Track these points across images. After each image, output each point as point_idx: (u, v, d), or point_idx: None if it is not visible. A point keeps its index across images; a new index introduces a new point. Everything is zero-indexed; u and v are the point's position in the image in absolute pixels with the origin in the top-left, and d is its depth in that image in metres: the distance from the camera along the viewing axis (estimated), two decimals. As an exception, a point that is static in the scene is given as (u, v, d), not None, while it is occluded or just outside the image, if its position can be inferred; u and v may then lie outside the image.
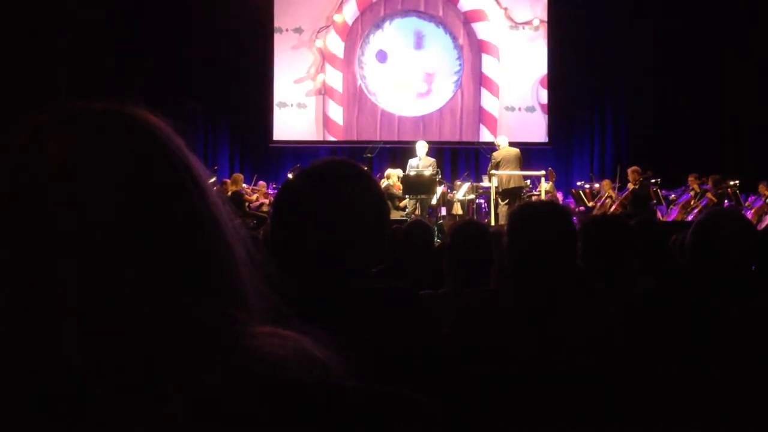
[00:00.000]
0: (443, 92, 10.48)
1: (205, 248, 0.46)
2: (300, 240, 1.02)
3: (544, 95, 10.53)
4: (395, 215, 7.51)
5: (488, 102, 10.47)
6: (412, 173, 7.72)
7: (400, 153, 9.12)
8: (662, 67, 10.26)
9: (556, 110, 10.65)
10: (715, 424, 1.44)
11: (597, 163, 10.79)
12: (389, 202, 7.63)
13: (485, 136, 10.37)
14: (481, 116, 10.48)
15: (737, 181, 8.38)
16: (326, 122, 10.48)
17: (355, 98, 10.48)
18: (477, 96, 10.48)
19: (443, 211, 8.40)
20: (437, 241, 4.34)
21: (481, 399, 1.44)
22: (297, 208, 1.04)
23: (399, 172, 8.18)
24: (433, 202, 7.94)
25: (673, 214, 8.50)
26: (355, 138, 10.40)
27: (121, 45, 9.33)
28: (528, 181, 8.38)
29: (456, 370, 1.44)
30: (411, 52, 10.48)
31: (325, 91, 10.46)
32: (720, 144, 9.38)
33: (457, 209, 8.59)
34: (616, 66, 10.60)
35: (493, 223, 7.28)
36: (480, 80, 10.48)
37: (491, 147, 8.72)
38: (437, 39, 10.49)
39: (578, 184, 9.63)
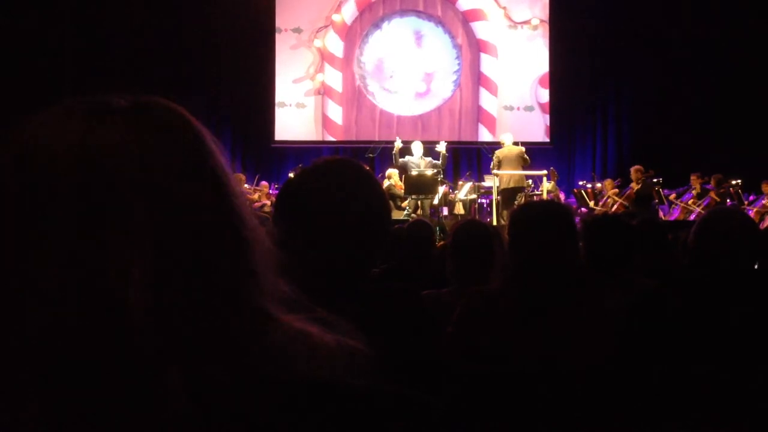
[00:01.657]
0: (442, 92, 10.50)
1: (234, 242, 0.47)
2: (301, 239, 1.02)
3: (542, 94, 10.52)
4: (397, 215, 7.51)
5: (487, 101, 10.48)
6: (414, 173, 7.71)
7: (401, 153, 9.08)
8: (664, 66, 10.24)
9: (557, 109, 10.63)
10: (717, 424, 1.44)
11: (599, 162, 10.77)
12: (391, 202, 7.63)
13: (484, 135, 10.37)
14: (480, 115, 10.48)
15: (739, 181, 8.37)
16: (325, 122, 10.49)
17: (354, 98, 10.50)
18: (476, 95, 10.48)
19: (445, 211, 8.39)
20: (439, 241, 4.33)
21: (482, 399, 1.44)
22: (298, 207, 1.04)
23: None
24: (435, 202, 7.93)
25: (675, 213, 8.49)
26: (354, 137, 10.42)
27: (123, 45, 9.33)
28: (530, 181, 8.37)
29: (458, 370, 1.44)
30: (410, 51, 10.49)
31: (324, 91, 10.47)
32: (722, 143, 9.37)
33: (459, 209, 8.58)
34: (617, 65, 10.59)
35: (495, 223, 7.27)
36: (479, 79, 10.49)
37: (493, 146, 8.71)
38: (436, 38, 10.51)
39: (580, 183, 9.62)
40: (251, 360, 0.45)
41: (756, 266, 1.75)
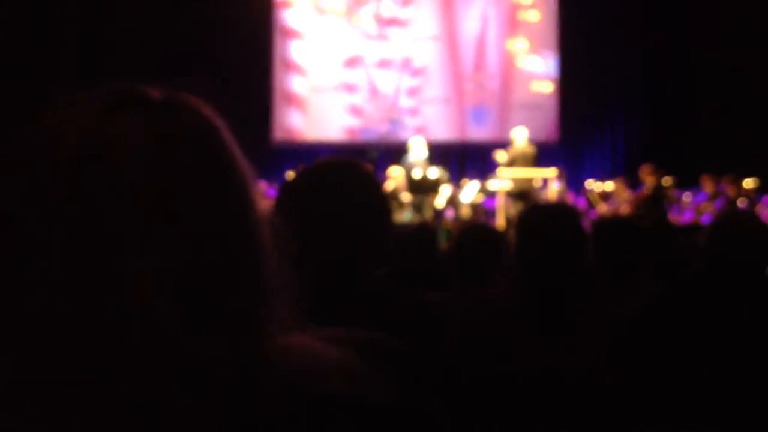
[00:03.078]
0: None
1: (250, 253, 0.46)
2: (301, 240, 1.00)
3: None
4: (399, 215, 7.48)
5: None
6: (419, 173, 7.67)
7: (404, 153, 9.07)
8: (674, 64, 10.18)
9: (566, 108, 10.59)
10: (725, 428, 1.41)
11: (608, 162, 10.72)
12: (395, 202, 7.60)
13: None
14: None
15: (755, 180, 8.27)
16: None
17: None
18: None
19: (450, 213, 8.37)
20: (444, 243, 4.31)
21: (488, 403, 1.42)
22: (298, 208, 1.02)
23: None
24: (440, 204, 7.90)
25: (687, 215, 8.41)
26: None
27: (119, 42, 9.37)
28: (539, 181, 8.33)
29: (463, 373, 1.42)
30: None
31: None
32: (736, 143, 9.27)
33: (465, 211, 8.56)
34: (627, 62, 10.54)
35: (500, 226, 7.23)
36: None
37: (498, 146, 8.65)
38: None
39: (589, 184, 9.56)
40: (254, 372, 0.44)
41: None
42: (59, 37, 8.54)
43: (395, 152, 9.70)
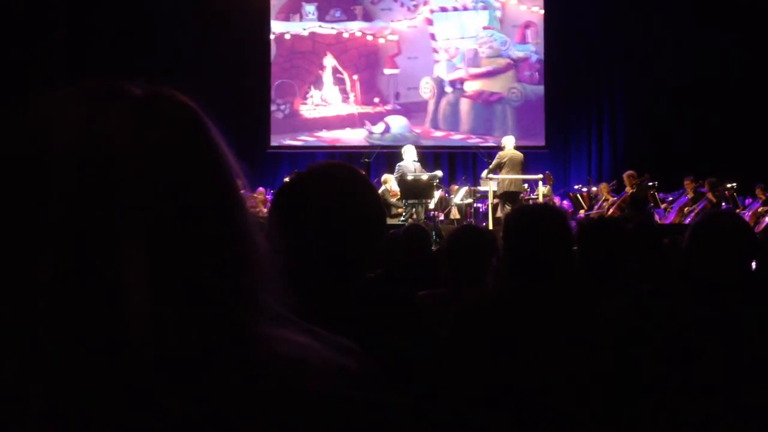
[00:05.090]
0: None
1: (233, 250, 0.45)
2: (296, 243, 1.02)
3: None
4: (392, 220, 7.51)
5: None
6: (410, 177, 7.72)
7: (397, 158, 9.10)
8: (658, 71, 10.30)
9: (552, 113, 10.68)
10: (712, 426, 1.44)
11: (594, 166, 10.81)
12: (388, 205, 7.63)
13: None
14: None
15: (734, 184, 8.39)
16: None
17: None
18: None
19: (441, 216, 8.40)
20: (435, 245, 4.33)
21: (477, 403, 1.44)
22: (293, 211, 1.04)
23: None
24: (431, 206, 7.94)
25: (671, 217, 8.51)
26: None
27: (119, 46, 9.31)
28: (526, 185, 8.40)
29: (453, 374, 1.44)
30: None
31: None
32: (717, 147, 9.41)
33: (455, 213, 8.59)
34: (612, 69, 10.65)
35: (491, 227, 7.28)
36: None
37: (488, 151, 8.71)
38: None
39: (576, 187, 9.64)
40: (238, 371, 0.43)
41: (752, 269, 1.75)
42: (49, 32, 8.43)
43: (388, 157, 9.72)
